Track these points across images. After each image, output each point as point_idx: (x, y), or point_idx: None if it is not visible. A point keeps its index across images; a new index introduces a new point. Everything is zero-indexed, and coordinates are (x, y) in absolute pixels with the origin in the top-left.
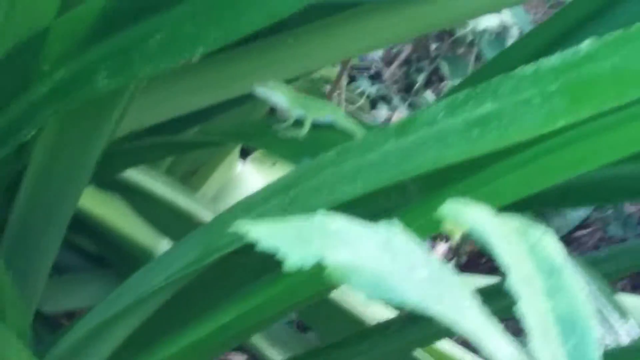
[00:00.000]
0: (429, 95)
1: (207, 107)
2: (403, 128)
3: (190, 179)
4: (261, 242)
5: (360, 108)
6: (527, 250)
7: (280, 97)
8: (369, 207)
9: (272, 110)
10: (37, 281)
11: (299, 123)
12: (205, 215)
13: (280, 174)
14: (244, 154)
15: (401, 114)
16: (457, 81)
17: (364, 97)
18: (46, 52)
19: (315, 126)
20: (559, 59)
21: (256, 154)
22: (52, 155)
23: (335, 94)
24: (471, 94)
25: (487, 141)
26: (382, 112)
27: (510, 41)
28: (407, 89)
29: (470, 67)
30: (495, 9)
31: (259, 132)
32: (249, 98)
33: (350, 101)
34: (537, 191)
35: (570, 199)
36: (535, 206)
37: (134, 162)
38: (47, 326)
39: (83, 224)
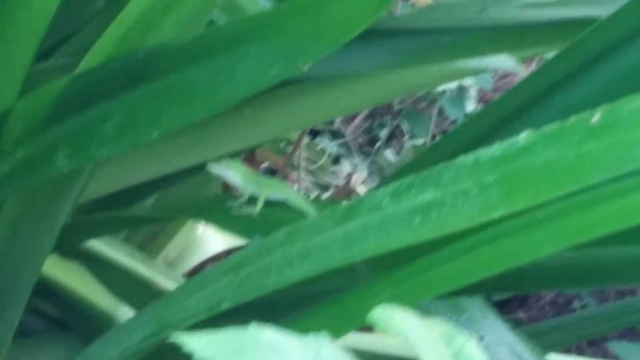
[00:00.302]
0: (389, 154)
1: (167, 174)
2: (350, 212)
3: (153, 242)
4: (197, 354)
5: (322, 167)
6: (452, 356)
7: (234, 176)
8: (318, 286)
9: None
10: (1, 345)
11: (253, 200)
12: (163, 281)
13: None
14: None
15: (362, 172)
16: (419, 140)
17: (326, 155)
18: (7, 132)
19: (269, 204)
20: (497, 150)
21: None
22: (14, 228)
23: (296, 154)
24: (414, 182)
25: (428, 229)
26: (344, 167)
27: (469, 101)
28: (370, 143)
29: (433, 123)
30: (455, 78)
31: (213, 208)
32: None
33: (311, 159)
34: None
35: (523, 284)
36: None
37: (92, 235)
38: None
39: (46, 289)
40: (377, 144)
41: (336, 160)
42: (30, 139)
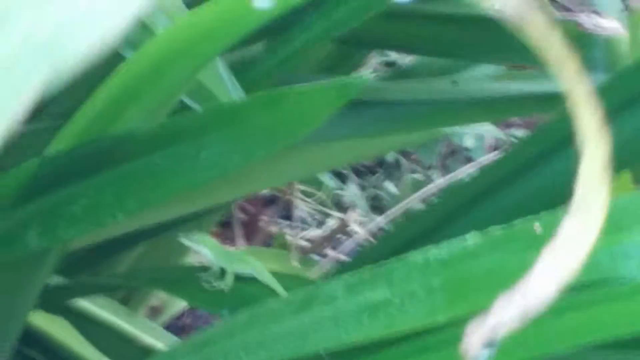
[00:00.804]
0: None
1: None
2: (306, 302)
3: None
4: None
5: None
6: None
7: (203, 250)
8: None
9: None
10: None
11: (224, 272)
12: (144, 337)
13: None
14: None
15: (358, 209)
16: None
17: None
18: None
19: (240, 278)
20: (446, 251)
21: None
22: None
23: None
24: (367, 277)
25: (376, 328)
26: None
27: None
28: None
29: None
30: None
31: (184, 281)
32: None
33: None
34: None
35: None
36: None
37: (71, 297)
38: None
39: (34, 339)
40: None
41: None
42: (3, 216)
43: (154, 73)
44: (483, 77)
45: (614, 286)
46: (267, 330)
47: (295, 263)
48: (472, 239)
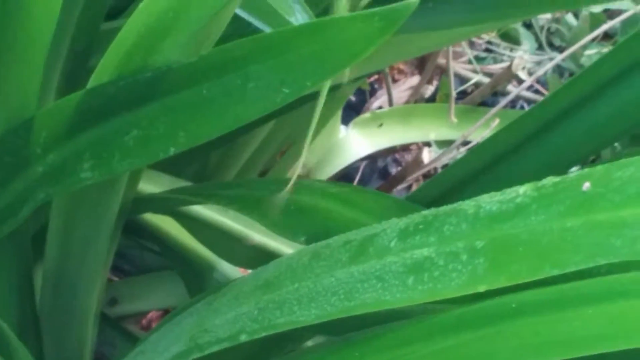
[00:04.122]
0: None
1: None
2: (360, 250)
3: (290, 150)
4: None
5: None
6: None
7: None
8: None
9: None
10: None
11: None
12: (255, 235)
13: (387, 138)
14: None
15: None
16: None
17: None
18: (35, 138)
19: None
20: (497, 204)
21: (359, 119)
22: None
23: None
24: (421, 225)
25: (420, 293)
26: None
27: None
28: None
29: None
30: None
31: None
32: None
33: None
34: None
35: None
36: None
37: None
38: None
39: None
40: None
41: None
42: (55, 147)
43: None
44: None
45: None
46: (319, 282)
47: (454, 119)
48: (523, 192)
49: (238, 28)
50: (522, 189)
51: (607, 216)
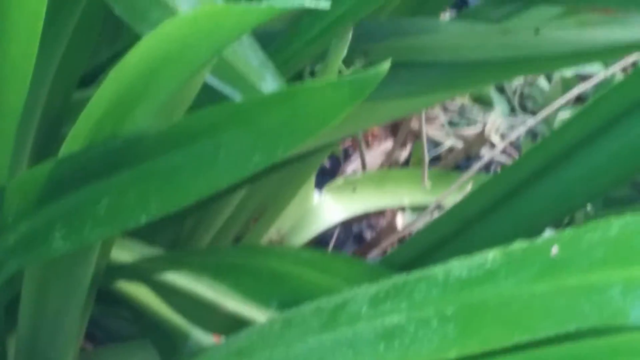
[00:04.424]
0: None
1: None
2: (332, 317)
3: (264, 216)
4: None
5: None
6: None
7: None
8: None
9: None
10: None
11: None
12: (228, 303)
13: (361, 203)
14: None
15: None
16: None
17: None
18: (6, 207)
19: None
20: (466, 269)
21: (332, 184)
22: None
23: None
24: (391, 291)
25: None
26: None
27: None
28: None
29: None
30: None
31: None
32: None
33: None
34: None
35: None
36: None
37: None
38: None
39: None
40: None
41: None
42: (27, 216)
43: (162, 67)
44: (567, 24)
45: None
46: (291, 349)
47: (427, 184)
48: (492, 258)
49: (209, 95)
50: (491, 254)
51: (576, 281)
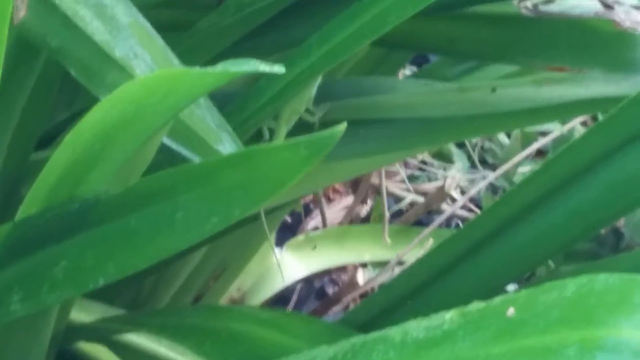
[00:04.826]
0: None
1: None
2: None
3: (223, 274)
4: None
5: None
6: None
7: None
8: None
9: None
10: None
11: None
12: None
13: (322, 260)
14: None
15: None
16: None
17: None
18: None
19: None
20: (422, 332)
21: (292, 241)
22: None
23: None
24: (349, 353)
25: None
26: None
27: None
28: None
29: None
30: None
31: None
32: None
33: None
34: None
35: None
36: None
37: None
38: None
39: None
40: None
41: None
42: None
43: (119, 130)
44: (523, 83)
45: None
46: None
47: (388, 239)
48: (450, 319)
49: (167, 157)
50: (448, 315)
51: (532, 342)
